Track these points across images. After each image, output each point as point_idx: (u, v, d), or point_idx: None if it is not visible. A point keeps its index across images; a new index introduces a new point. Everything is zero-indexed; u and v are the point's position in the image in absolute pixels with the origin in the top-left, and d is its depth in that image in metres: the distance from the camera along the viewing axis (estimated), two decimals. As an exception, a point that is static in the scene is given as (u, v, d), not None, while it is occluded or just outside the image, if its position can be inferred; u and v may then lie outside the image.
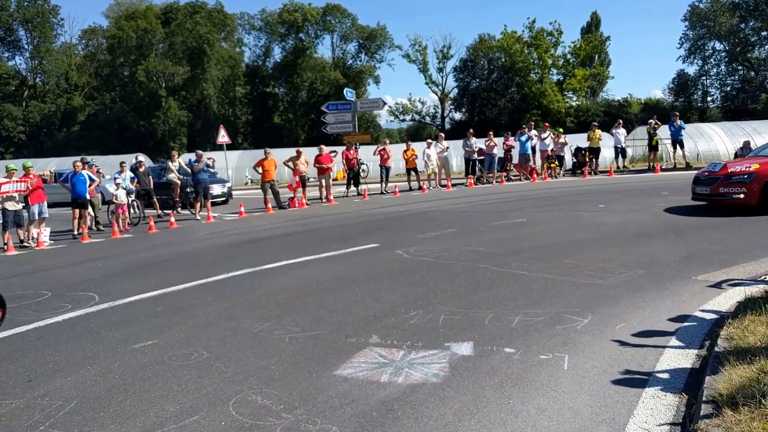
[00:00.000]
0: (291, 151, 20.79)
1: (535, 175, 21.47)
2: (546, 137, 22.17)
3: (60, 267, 10.09)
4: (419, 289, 6.73)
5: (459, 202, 16.14)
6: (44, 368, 4.90)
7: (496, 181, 21.73)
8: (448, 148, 22.24)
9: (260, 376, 4.41)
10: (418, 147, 22.33)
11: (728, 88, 54.00)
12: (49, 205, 14.45)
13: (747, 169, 10.80)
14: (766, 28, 48.82)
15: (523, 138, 21.56)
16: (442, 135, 23.71)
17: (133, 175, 16.52)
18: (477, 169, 22.44)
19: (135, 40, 47.64)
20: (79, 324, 6.21)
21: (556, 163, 22.32)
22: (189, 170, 17.39)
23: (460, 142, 23.72)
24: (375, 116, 55.89)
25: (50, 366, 4.94)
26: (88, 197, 14.47)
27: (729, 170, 11.06)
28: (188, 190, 17.71)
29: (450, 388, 4.00)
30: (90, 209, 14.84)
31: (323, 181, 19.11)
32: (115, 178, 16.01)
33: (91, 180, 14.71)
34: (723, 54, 52.99)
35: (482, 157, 22.13)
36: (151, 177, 17.55)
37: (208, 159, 19.67)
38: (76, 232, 13.88)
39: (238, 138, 51.23)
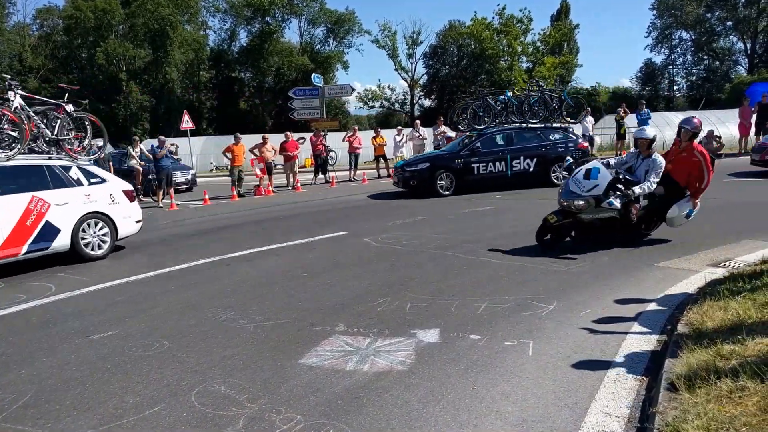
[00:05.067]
0: (257, 138, 20.50)
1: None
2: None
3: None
4: (387, 276, 6.72)
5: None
6: (-3, 361, 4.73)
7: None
8: (425, 137, 22.16)
9: (224, 365, 4.34)
10: (387, 134, 22.24)
11: (694, 78, 55.22)
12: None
13: None
14: (731, 18, 49.95)
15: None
16: (419, 122, 23.62)
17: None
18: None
19: (93, 21, 46.05)
20: (35, 315, 6.02)
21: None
22: (151, 157, 16.99)
23: (430, 129, 23.70)
24: (344, 102, 55.46)
25: (2, 359, 4.77)
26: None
27: None
28: (150, 177, 17.34)
29: (415, 375, 4.00)
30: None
31: (289, 169, 18.91)
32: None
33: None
34: (689, 43, 54.08)
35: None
36: (111, 163, 17.09)
37: (171, 145, 19.27)
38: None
39: (203, 124, 50.28)
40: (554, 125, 15.65)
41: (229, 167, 18.23)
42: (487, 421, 3.35)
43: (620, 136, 22.35)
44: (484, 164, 14.30)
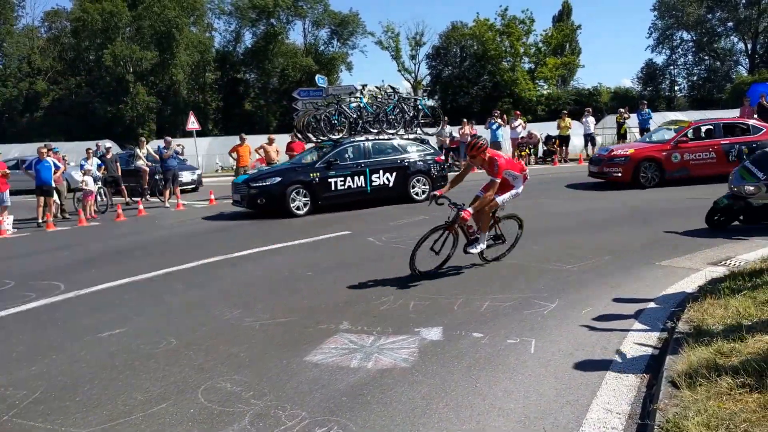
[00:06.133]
0: (263, 138, 20.56)
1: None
2: (517, 126, 22.34)
3: (24, 256, 9.85)
4: (390, 275, 6.76)
5: (431, 190, 16.17)
6: (7, 358, 4.80)
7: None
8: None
9: (230, 363, 4.40)
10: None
11: (695, 78, 55.00)
12: (12, 193, 14.07)
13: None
14: (732, 18, 49.73)
15: (494, 126, 21.69)
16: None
17: (100, 162, 16.17)
18: (449, 157, 22.51)
19: (100, 23, 46.27)
20: (45, 313, 6.10)
21: (527, 150, 22.53)
22: (158, 157, 17.07)
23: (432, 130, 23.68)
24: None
25: (14, 356, 4.85)
26: (53, 184, 14.12)
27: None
28: (157, 177, 17.40)
29: (419, 373, 4.04)
30: (55, 197, 14.49)
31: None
32: (82, 165, 15.65)
33: (56, 167, 14.33)
34: (690, 44, 53.81)
35: (455, 146, 22.21)
36: (118, 164, 17.17)
37: (178, 146, 19.33)
38: (40, 220, 13.54)
39: (209, 124, 50.38)
40: (411, 137, 14.39)
41: (234, 168, 18.30)
42: (490, 417, 3.40)
43: (621, 136, 22.36)
44: (342, 179, 12.71)
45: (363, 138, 13.55)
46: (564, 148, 22.91)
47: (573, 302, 5.39)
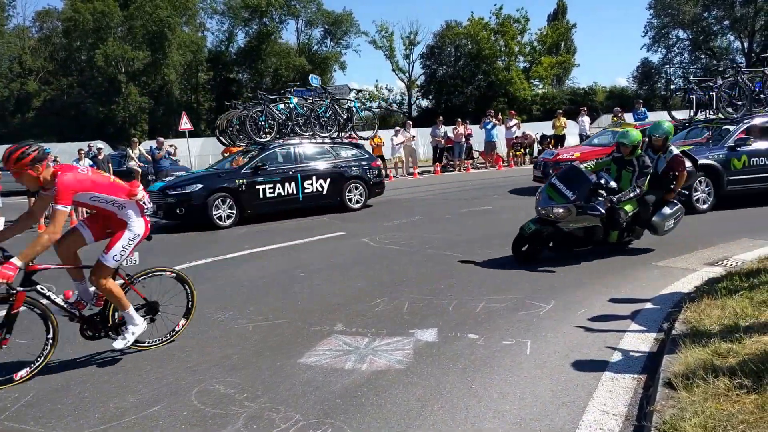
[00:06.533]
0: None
1: (501, 163, 21.65)
2: (512, 125, 22.38)
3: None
4: (384, 276, 6.73)
5: (425, 190, 16.19)
6: (-3, 361, 4.73)
7: (462, 169, 21.86)
8: (414, 136, 22.23)
9: (223, 365, 4.36)
10: (384, 134, 22.28)
11: (691, 77, 55.16)
12: (4, 194, 13.94)
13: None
14: (728, 17, 49.90)
15: (489, 125, 21.71)
16: (410, 123, 23.69)
17: (91, 162, 16.06)
18: (444, 156, 22.53)
19: (92, 23, 46.01)
20: (35, 314, 6.00)
21: (522, 150, 22.56)
22: (150, 158, 16.99)
23: (429, 129, 23.73)
24: (341, 103, 55.45)
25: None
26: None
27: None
28: (150, 178, 17.31)
29: (413, 374, 4.01)
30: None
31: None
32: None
33: (47, 167, 14.22)
34: (686, 42, 53.94)
35: (449, 146, 22.23)
36: (110, 165, 17.10)
37: (170, 146, 19.26)
38: (31, 222, 13.38)
39: (201, 125, 50.18)
40: (345, 141, 13.66)
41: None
42: (486, 419, 3.37)
43: None
44: (271, 186, 11.71)
45: (294, 141, 12.70)
46: (559, 147, 22.95)
47: (569, 303, 5.37)
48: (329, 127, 13.57)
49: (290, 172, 12.05)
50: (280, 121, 13.05)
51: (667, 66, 55.61)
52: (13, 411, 3.79)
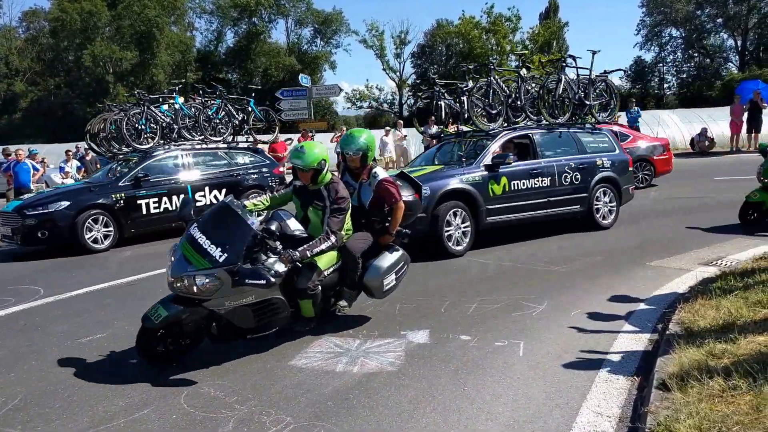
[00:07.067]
0: (242, 139, 20.35)
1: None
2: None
3: (2, 260, 9.62)
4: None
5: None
6: (-17, 365, 4.64)
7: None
8: (405, 136, 22.20)
9: (213, 368, 4.29)
10: (375, 134, 22.20)
11: (684, 75, 55.39)
12: None
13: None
14: (722, 15, 50.13)
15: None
16: (401, 122, 23.63)
17: (79, 164, 15.91)
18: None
19: (79, 23, 45.67)
20: (23, 318, 5.93)
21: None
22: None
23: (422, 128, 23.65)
24: (331, 103, 55.26)
25: (-10, 363, 4.69)
26: (32, 187, 13.86)
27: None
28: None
29: (405, 376, 3.97)
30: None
31: (278, 169, 18.75)
32: (61, 168, 15.39)
33: (35, 169, 14.09)
34: (679, 41, 54.09)
35: (440, 145, 22.20)
36: (99, 166, 16.92)
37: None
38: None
39: (191, 125, 50.00)
40: (241, 145, 12.09)
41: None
42: (478, 421, 3.33)
43: None
44: (156, 200, 10.10)
45: (181, 148, 11.05)
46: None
47: (562, 304, 5.36)
48: (223, 131, 12.02)
49: (178, 183, 10.46)
50: (164, 125, 11.40)
51: (661, 64, 55.84)
52: (0, 415, 3.72)
